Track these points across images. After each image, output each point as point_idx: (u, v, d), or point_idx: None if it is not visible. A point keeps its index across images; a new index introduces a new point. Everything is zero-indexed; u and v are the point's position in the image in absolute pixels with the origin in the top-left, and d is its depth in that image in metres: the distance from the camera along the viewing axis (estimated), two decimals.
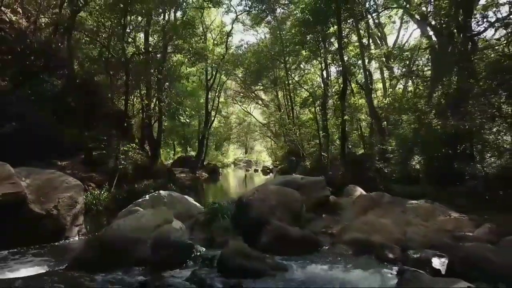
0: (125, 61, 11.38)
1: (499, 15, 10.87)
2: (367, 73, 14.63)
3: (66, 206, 6.62)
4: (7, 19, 14.65)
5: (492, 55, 11.02)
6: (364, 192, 8.17)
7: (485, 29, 11.91)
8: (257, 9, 24.06)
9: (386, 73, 19.29)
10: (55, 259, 5.20)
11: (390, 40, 22.58)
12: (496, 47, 11.07)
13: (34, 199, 6.24)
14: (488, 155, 10.10)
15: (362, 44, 14.69)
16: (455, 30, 12.13)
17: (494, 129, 10.34)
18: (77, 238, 6.80)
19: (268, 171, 32.60)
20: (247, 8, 24.44)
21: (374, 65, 19.89)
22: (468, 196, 8.24)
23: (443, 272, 3.37)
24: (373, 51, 15.98)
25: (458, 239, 4.48)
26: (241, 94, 34.18)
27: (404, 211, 6.34)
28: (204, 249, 4.55)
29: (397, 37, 22.62)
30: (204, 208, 6.42)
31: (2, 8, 14.44)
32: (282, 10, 24.99)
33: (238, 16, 25.04)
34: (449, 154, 10.58)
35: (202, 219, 5.65)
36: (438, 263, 3.52)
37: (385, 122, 14.56)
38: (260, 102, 35.30)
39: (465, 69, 11.08)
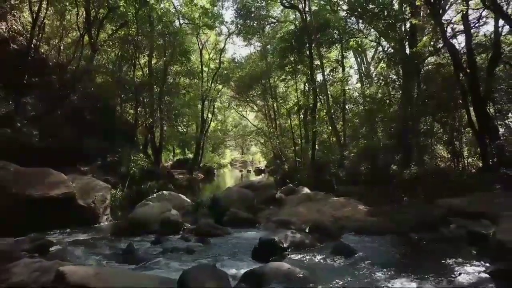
0: (135, 89, 14.59)
1: None
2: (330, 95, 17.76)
3: (100, 201, 9.69)
4: (32, 45, 17.77)
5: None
6: (309, 191, 11.33)
7: (425, 58, 15.08)
8: (248, 26, 26.96)
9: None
10: (98, 233, 8.35)
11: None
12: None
13: (79, 196, 9.32)
14: (413, 163, 13.29)
15: (324, 70, 17.80)
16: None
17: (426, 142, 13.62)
18: (106, 223, 9.94)
19: (260, 171, 35.88)
20: (239, 26, 27.55)
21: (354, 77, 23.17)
22: (385, 194, 11.41)
23: (307, 231, 6.56)
24: (339, 75, 19.21)
25: (338, 219, 7.66)
26: (236, 100, 37.08)
27: (325, 204, 9.50)
28: (189, 225, 7.77)
29: (376, 51, 25.88)
30: (192, 202, 9.66)
31: (27, 35, 17.57)
32: (269, 30, 28.08)
33: (231, 35, 28.22)
34: (387, 162, 13.76)
35: (190, 209, 8.89)
36: (307, 228, 6.72)
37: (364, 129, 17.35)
38: (254, 107, 38.29)
39: (409, 94, 14.28)
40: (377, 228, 6.57)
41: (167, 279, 3.57)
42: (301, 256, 5.11)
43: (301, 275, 3.89)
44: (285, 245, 5.24)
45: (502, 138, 10.42)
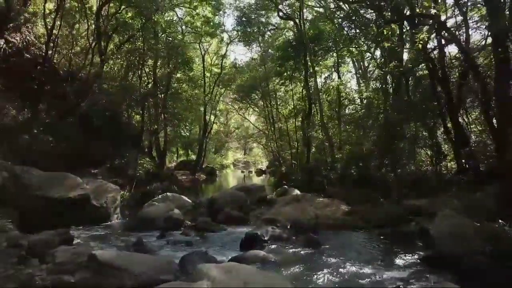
0: (141, 99, 15.85)
1: None
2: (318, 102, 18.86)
3: (111, 201, 10.87)
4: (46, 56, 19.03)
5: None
6: (298, 192, 12.49)
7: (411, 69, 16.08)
8: (248, 33, 28.02)
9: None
10: (110, 229, 9.56)
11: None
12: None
13: (93, 197, 10.56)
14: (396, 167, 14.37)
15: (316, 79, 18.94)
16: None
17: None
18: (116, 221, 11.15)
19: (261, 172, 37.06)
20: (240, 33, 28.70)
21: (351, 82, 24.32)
22: (366, 195, 12.51)
23: (289, 227, 7.73)
24: (333, 83, 20.32)
25: (319, 217, 8.83)
26: (238, 102, 38.16)
27: (311, 205, 10.65)
28: (189, 222, 8.99)
29: (371, 58, 26.90)
30: (192, 202, 10.90)
31: (39, 45, 18.86)
32: (269, 36, 29.21)
33: (232, 41, 29.41)
34: (372, 165, 14.86)
35: (190, 208, 10.13)
36: (289, 225, 7.90)
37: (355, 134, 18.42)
38: (256, 108, 39.35)
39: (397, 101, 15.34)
40: (349, 225, 7.74)
41: (171, 261, 4.76)
42: (278, 246, 6.31)
43: (273, 260, 5.07)
44: (266, 238, 6.45)
45: (473, 145, 11.50)
